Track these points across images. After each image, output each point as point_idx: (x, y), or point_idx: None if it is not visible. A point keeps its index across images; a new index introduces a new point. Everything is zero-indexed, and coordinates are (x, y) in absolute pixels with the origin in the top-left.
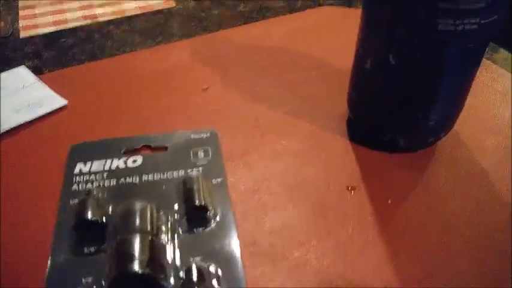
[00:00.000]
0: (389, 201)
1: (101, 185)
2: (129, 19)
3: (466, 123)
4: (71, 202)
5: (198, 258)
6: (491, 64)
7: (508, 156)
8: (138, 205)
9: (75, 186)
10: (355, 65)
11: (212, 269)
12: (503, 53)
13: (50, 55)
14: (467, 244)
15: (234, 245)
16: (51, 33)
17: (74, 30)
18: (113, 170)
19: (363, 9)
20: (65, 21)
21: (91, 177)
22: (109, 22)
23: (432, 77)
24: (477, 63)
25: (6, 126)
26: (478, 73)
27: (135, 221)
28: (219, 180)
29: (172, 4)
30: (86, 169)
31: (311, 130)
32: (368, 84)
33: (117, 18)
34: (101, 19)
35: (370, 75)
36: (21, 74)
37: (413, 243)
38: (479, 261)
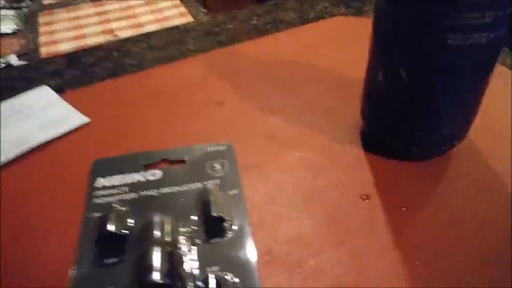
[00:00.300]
0: (403, 209)
1: (122, 198)
2: (146, 36)
3: (481, 130)
4: (93, 215)
5: (215, 268)
6: (505, 69)
7: None
8: (157, 218)
9: (97, 200)
10: (367, 77)
11: (229, 278)
12: None
13: (71, 74)
14: (482, 256)
15: (250, 254)
16: (72, 53)
17: (93, 49)
18: (133, 184)
19: (373, 22)
20: (84, 36)
21: (112, 190)
22: (126, 40)
23: (443, 90)
24: (487, 74)
25: (32, 143)
26: (494, 82)
27: (154, 234)
28: (235, 191)
29: (187, 15)
30: (107, 183)
31: (325, 141)
32: (380, 96)
33: (134, 36)
34: (118, 33)
35: (382, 87)
36: (44, 93)
37: (427, 252)
38: (492, 277)
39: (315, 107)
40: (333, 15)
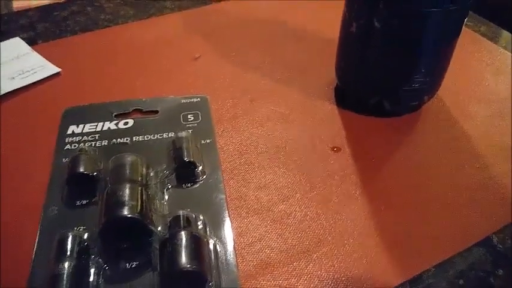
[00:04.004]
0: (372, 160)
1: (93, 144)
2: None
3: (451, 91)
4: (64, 160)
5: (186, 210)
6: (481, 38)
7: (489, 123)
8: (128, 158)
9: (67, 146)
10: (342, 29)
11: (200, 217)
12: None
13: (44, 27)
14: (445, 203)
15: (221, 199)
16: (45, 6)
17: (66, 3)
18: (105, 131)
19: None
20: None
21: (83, 138)
22: None
23: (415, 40)
24: (457, 28)
25: (2, 91)
26: (467, 46)
27: (125, 172)
28: (208, 141)
29: None
30: (78, 130)
31: (299, 97)
32: (353, 48)
33: None
34: None
35: (355, 39)
36: (16, 45)
37: (394, 200)
38: (455, 219)
39: (292, 65)
40: None
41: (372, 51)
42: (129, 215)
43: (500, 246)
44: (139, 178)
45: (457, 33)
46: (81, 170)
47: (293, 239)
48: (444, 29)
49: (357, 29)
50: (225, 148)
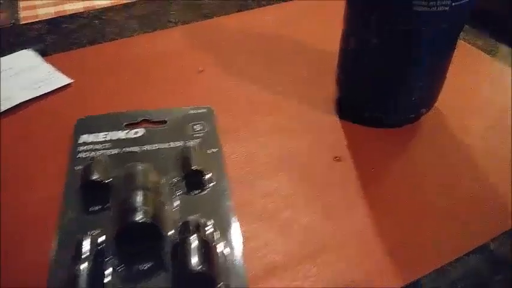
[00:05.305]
0: (372, 170)
1: (105, 153)
2: (128, 6)
3: (448, 103)
4: (77, 168)
5: (196, 216)
6: (473, 48)
7: (486, 135)
8: (140, 167)
9: (80, 155)
10: (341, 44)
11: (209, 223)
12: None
13: (52, 39)
14: (443, 211)
15: (229, 205)
16: (53, 18)
17: (74, 16)
18: (116, 140)
19: None
20: (65, 12)
21: (95, 146)
22: (108, 9)
23: (411, 56)
24: (452, 44)
25: (13, 102)
26: (464, 59)
27: (138, 180)
28: (215, 150)
29: None
30: (90, 139)
31: (301, 108)
32: (352, 63)
33: (116, 5)
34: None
35: (354, 54)
36: (27, 56)
37: (393, 208)
38: (453, 227)
39: (293, 77)
40: None
41: (369, 66)
42: (143, 220)
43: (497, 252)
44: (151, 185)
45: (452, 47)
46: (94, 177)
47: (298, 244)
48: (440, 44)
49: (355, 45)
50: (231, 157)
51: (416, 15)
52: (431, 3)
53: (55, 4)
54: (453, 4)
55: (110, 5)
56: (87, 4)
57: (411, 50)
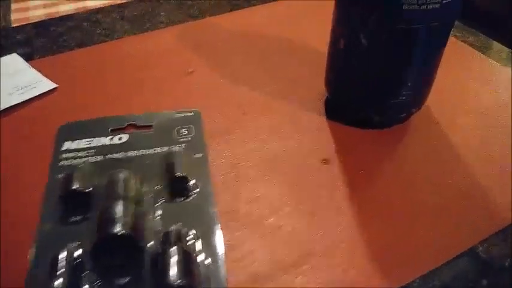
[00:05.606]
0: (361, 172)
1: (88, 160)
2: (118, 7)
3: (438, 101)
4: (58, 176)
5: (178, 225)
6: (470, 48)
7: (477, 133)
8: (122, 175)
9: (62, 162)
10: (331, 45)
11: (191, 232)
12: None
13: (41, 42)
14: (432, 213)
15: (213, 212)
16: (42, 21)
17: (63, 18)
18: (99, 147)
19: None
20: (57, 13)
21: (78, 153)
22: (98, 11)
23: (401, 55)
24: (442, 43)
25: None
26: (455, 56)
27: (118, 189)
28: (200, 155)
29: None
30: (73, 146)
31: (290, 109)
32: (342, 64)
33: (106, 6)
34: (88, 2)
35: (344, 54)
36: (13, 61)
37: (381, 211)
38: (442, 229)
39: (282, 78)
40: None
41: (359, 66)
42: (121, 232)
43: (485, 255)
44: (132, 194)
45: (442, 45)
46: (75, 186)
47: (283, 251)
48: (430, 43)
49: (345, 45)
50: (217, 161)
51: (406, 13)
52: (420, 1)
53: (46, 6)
54: (443, 1)
55: (102, 6)
56: (79, 5)
57: (401, 49)
